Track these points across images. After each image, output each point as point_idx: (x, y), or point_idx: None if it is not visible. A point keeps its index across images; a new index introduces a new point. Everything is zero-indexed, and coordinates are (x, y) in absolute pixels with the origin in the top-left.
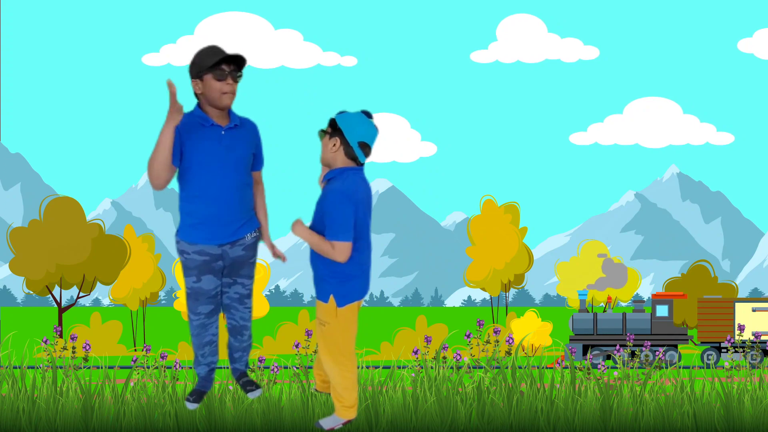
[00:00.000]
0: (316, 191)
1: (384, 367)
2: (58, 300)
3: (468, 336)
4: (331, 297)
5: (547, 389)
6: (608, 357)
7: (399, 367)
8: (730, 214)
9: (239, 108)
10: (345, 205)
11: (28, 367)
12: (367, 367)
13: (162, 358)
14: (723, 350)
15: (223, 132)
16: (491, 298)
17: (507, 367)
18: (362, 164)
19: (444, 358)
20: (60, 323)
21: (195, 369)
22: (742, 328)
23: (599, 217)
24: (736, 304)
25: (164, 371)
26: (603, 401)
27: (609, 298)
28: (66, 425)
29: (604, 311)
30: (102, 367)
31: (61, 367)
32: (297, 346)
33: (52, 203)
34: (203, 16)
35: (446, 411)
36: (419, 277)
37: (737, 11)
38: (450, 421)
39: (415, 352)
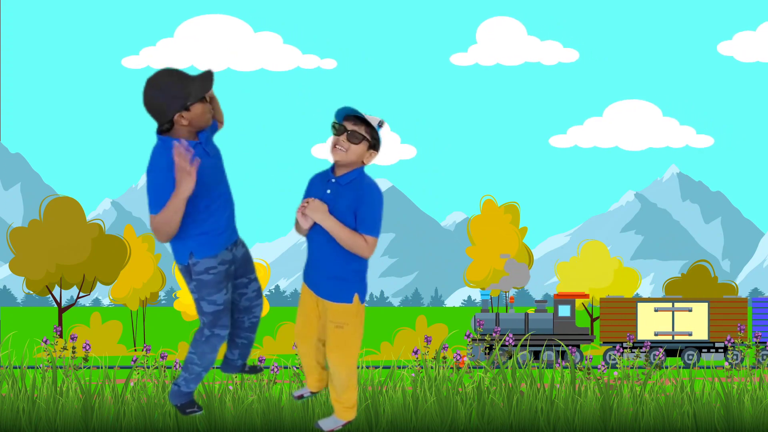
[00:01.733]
0: (298, 192)
1: (384, 367)
2: (58, 300)
3: (468, 336)
4: (356, 296)
5: (547, 389)
6: (510, 357)
7: (399, 367)
8: (730, 214)
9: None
10: (382, 204)
11: (28, 367)
12: (367, 367)
13: (162, 358)
14: (625, 350)
15: (202, 145)
16: (491, 298)
17: (507, 367)
18: None
19: (444, 358)
20: (60, 323)
21: (189, 388)
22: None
23: (599, 217)
24: (639, 304)
25: (164, 371)
26: (603, 401)
27: (512, 298)
28: (66, 425)
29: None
30: (102, 367)
31: (61, 367)
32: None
33: (52, 203)
34: (183, 18)
35: (446, 411)
36: (419, 277)
37: (717, 14)
38: (450, 421)
39: (415, 352)
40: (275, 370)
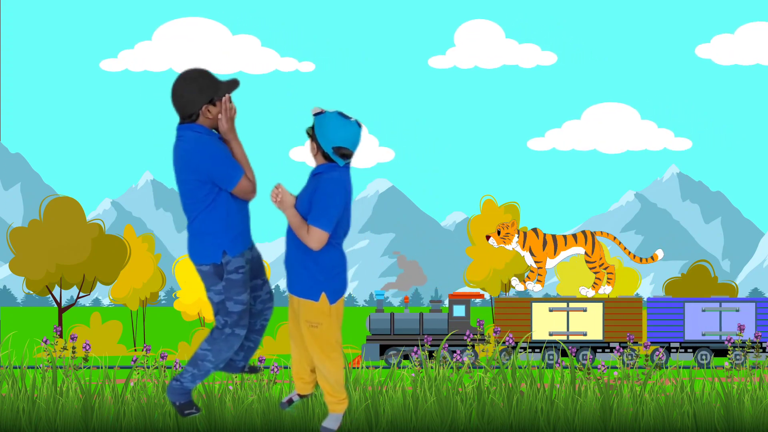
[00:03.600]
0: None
1: (384, 367)
2: (58, 300)
3: (468, 336)
4: (323, 295)
5: (547, 389)
6: (406, 357)
7: (399, 367)
8: (730, 214)
9: None
10: (338, 196)
11: (28, 367)
12: (367, 367)
13: (162, 358)
14: (520, 350)
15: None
16: (491, 298)
17: (507, 367)
18: (346, 165)
19: (444, 358)
20: (60, 323)
21: (193, 384)
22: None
23: (599, 217)
24: (533, 304)
25: (164, 371)
26: (603, 401)
27: (406, 298)
28: (66, 425)
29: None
30: (102, 367)
31: (61, 367)
32: None
33: (52, 203)
34: (161, 21)
35: (446, 411)
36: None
37: (695, 17)
38: (450, 421)
39: (415, 352)
40: (275, 370)
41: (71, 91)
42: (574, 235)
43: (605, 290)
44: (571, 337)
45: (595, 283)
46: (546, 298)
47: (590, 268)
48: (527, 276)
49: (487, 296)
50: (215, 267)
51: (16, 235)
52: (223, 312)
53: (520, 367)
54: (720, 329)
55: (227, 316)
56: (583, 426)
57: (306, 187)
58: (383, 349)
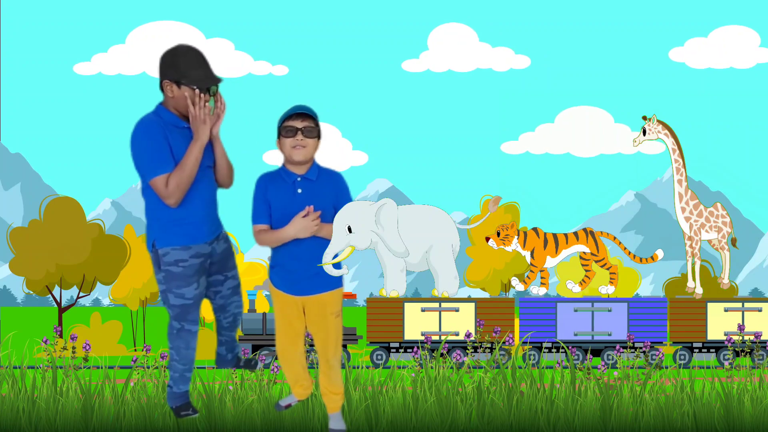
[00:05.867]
0: (250, 199)
1: (384, 367)
2: (58, 300)
3: (468, 336)
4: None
5: (547, 389)
6: (276, 357)
7: (399, 367)
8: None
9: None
10: None
11: (28, 367)
12: (367, 367)
13: (162, 358)
14: (393, 350)
15: (187, 128)
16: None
17: (507, 367)
18: None
19: (444, 358)
20: (60, 323)
21: (180, 388)
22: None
23: (599, 217)
24: (405, 303)
25: (164, 371)
26: (603, 401)
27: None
28: (66, 425)
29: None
30: (102, 367)
31: (61, 367)
32: None
33: (52, 203)
34: (134, 25)
35: (446, 411)
36: (419, 277)
37: (669, 20)
38: (450, 421)
39: (416, 352)
40: (275, 370)
41: (71, 91)
42: (575, 233)
43: (608, 290)
44: (444, 337)
45: (611, 278)
46: (418, 298)
47: (601, 266)
48: (527, 276)
49: (487, 296)
50: (154, 255)
51: (16, 235)
52: (166, 304)
53: (519, 367)
54: (592, 329)
55: (169, 309)
56: (583, 426)
57: (308, 192)
58: (255, 349)
